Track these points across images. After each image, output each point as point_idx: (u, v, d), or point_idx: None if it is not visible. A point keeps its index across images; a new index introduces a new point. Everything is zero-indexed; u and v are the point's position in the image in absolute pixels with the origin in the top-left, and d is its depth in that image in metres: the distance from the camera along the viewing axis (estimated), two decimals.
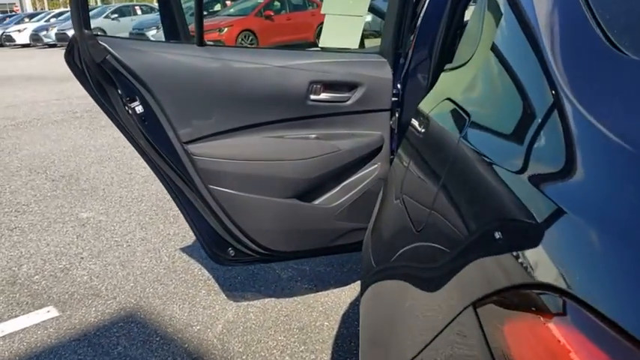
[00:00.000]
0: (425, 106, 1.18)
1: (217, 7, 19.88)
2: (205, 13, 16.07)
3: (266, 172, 2.04)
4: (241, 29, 15.47)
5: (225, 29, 15.22)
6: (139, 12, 23.04)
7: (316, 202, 2.15)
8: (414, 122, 1.20)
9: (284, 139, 2.05)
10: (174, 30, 2.41)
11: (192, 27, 2.65)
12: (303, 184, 2.09)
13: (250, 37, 15.59)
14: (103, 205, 4.28)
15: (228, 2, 20.38)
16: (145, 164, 5.30)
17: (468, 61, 1.00)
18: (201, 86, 1.90)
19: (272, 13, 16.57)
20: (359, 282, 3.01)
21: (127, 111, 1.93)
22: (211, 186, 2.01)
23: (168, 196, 4.42)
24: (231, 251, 2.19)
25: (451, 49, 2.25)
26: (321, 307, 2.77)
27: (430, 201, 0.85)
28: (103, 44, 1.78)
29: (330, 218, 2.16)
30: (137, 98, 1.87)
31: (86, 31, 1.75)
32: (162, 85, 1.86)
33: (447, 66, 1.20)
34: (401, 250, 0.96)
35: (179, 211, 4.02)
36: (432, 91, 1.22)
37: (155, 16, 20.08)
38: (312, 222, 2.16)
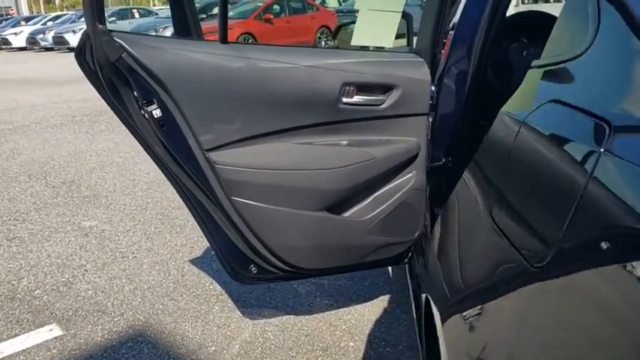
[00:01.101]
0: (515, 109, 1.00)
1: (216, 10, 19.73)
2: (204, 15, 15.93)
3: (294, 182, 1.86)
4: (241, 32, 15.32)
5: None
6: (136, 15, 22.86)
7: (347, 214, 1.97)
8: (498, 129, 1.03)
9: (314, 145, 1.87)
10: (185, 27, 2.23)
11: (204, 25, 2.48)
12: (335, 195, 1.91)
13: (250, 41, 15.43)
14: (106, 214, 4.09)
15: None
16: (148, 170, 5.15)
17: (582, 54, 0.82)
18: (224, 87, 1.73)
19: (272, 17, 16.46)
20: (382, 297, 2.83)
21: (143, 115, 1.75)
22: (234, 197, 1.83)
23: (174, 204, 4.28)
24: (253, 268, 2.00)
25: (492, 48, 2.08)
26: (345, 325, 2.58)
27: (556, 231, 0.67)
28: (119, 41, 1.60)
29: (362, 232, 1.98)
30: (155, 101, 1.69)
31: (100, 26, 1.57)
32: (183, 87, 1.68)
33: (536, 62, 1.02)
34: (510, 288, 0.79)
35: (186, 221, 3.88)
36: (520, 92, 1.04)
37: (153, 19, 19.94)
38: (343, 237, 1.98)
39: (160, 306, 2.79)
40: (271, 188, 1.85)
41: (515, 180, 0.88)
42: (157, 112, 1.70)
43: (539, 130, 0.85)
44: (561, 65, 0.89)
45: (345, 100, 1.83)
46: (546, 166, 0.79)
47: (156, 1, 52.53)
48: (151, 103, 1.70)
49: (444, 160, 2.20)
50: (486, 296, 0.87)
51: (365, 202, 1.98)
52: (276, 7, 17.06)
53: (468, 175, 1.21)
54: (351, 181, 1.91)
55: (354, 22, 3.81)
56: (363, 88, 1.86)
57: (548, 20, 3.06)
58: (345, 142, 1.91)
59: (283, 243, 1.94)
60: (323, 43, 17.01)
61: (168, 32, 15.49)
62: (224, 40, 1.70)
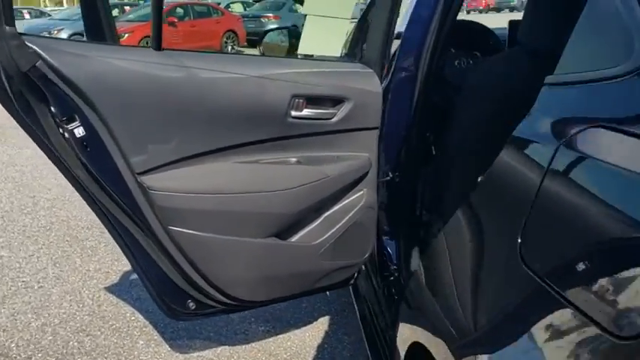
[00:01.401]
0: (537, 133, 0.87)
1: (115, 12, 18.86)
2: None
3: (240, 207, 1.65)
4: (143, 36, 14.74)
5: (126, 35, 14.40)
6: (27, 16, 21.36)
7: (297, 239, 1.79)
8: (514, 155, 0.90)
9: (261, 164, 1.68)
10: (98, 29, 1.95)
11: (120, 26, 2.20)
12: (285, 219, 1.73)
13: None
14: (3, 237, 3.63)
15: (127, 8, 19.40)
16: (49, 185, 4.69)
17: (634, 71, 0.70)
18: (160, 101, 1.50)
19: (175, 20, 15.97)
20: (322, 319, 2.68)
21: (62, 134, 1.48)
22: (171, 227, 1.60)
23: (83, 224, 3.89)
24: (190, 304, 1.78)
25: (440, 58, 2.00)
26: (285, 353, 2.40)
27: None
28: (33, 47, 1.33)
29: (313, 258, 1.81)
30: (77, 117, 1.43)
31: (8, 28, 1.30)
32: (112, 100, 1.43)
33: (554, 79, 0.89)
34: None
35: (97, 242, 3.53)
36: (538, 113, 0.91)
37: (46, 20, 18.65)
38: (294, 264, 1.81)
39: (75, 344, 2.47)
40: (213, 215, 1.64)
41: (558, 217, 0.75)
42: (79, 131, 1.44)
43: (587, 160, 0.73)
44: (602, 83, 0.77)
45: (294, 113, 1.66)
46: (611, 203, 0.66)
47: (47, 2, 49.63)
48: (72, 120, 1.44)
49: (391, 176, 2.09)
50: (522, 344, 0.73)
51: (316, 225, 1.81)
52: (180, 10, 16.61)
53: (470, 207, 1.07)
54: (302, 203, 1.73)
55: (280, 28, 3.65)
56: (313, 100, 1.70)
57: (477, 30, 3.05)
58: (294, 160, 1.74)
59: (227, 275, 1.73)
60: (230, 47, 16.74)
61: (64, 34, 14.57)
62: (158, 46, 1.48)
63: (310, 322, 2.65)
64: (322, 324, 2.64)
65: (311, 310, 2.74)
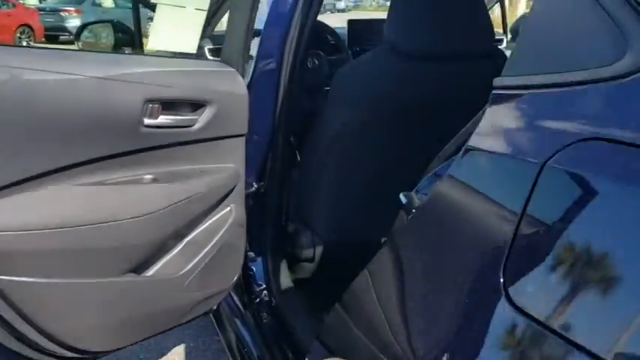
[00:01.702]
0: (504, 147, 0.72)
1: None
2: None
3: (85, 242, 1.32)
4: None
5: None
6: None
7: (159, 271, 1.50)
8: (480, 174, 0.74)
9: (108, 186, 1.37)
10: None
11: None
12: (143, 250, 1.43)
13: None
14: None
15: None
16: None
17: (629, 74, 0.58)
18: None
19: None
20: (176, 350, 2.38)
21: None
22: None
23: None
24: None
25: (304, 56, 1.85)
26: None
27: None
28: None
29: (178, 291, 1.54)
30: None
31: None
32: None
33: (509, 81, 0.73)
34: None
35: None
36: (498, 123, 0.75)
37: None
38: (156, 302, 1.51)
39: None
40: (50, 255, 1.29)
41: (556, 247, 0.61)
42: None
43: (591, 179, 0.60)
44: (584, 87, 0.64)
45: (147, 121, 1.38)
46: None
47: None
48: None
49: (255, 186, 1.90)
50: None
51: (180, 253, 1.55)
52: None
53: (433, 235, 0.90)
54: (162, 230, 1.45)
55: (102, 22, 3.21)
56: (170, 105, 1.43)
57: (320, 28, 2.95)
58: (149, 177, 1.45)
59: (73, 326, 1.39)
60: (25, 43, 15.07)
61: None
62: None
63: (164, 354, 2.34)
64: (178, 354, 2.35)
65: (162, 339, 2.42)
